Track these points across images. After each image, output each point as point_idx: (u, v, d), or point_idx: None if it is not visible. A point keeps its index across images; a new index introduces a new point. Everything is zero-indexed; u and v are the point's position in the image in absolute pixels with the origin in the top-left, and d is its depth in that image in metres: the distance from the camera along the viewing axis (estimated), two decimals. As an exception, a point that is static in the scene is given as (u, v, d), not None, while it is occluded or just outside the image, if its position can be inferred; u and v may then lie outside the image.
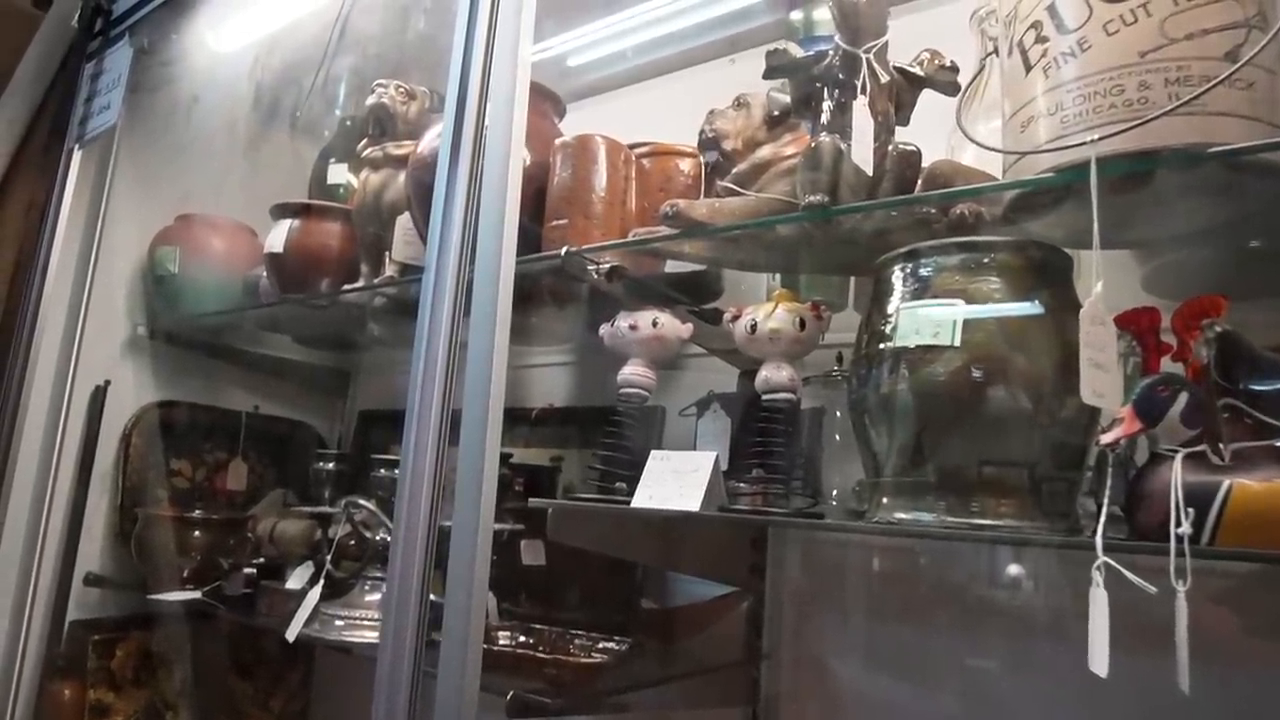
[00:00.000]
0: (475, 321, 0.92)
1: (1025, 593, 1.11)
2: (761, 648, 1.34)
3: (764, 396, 1.00)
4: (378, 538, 1.32)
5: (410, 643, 0.84)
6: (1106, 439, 0.71)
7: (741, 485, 1.02)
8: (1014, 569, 1.09)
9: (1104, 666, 0.65)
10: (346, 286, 1.44)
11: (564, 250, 1.08)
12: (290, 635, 1.24)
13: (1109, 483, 0.73)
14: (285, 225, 1.47)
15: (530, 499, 1.12)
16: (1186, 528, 0.65)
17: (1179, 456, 0.69)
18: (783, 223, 0.94)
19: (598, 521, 1.12)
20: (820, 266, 1.09)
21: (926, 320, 0.79)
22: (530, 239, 1.19)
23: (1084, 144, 0.73)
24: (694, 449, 1.13)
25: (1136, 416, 0.71)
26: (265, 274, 1.55)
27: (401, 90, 1.40)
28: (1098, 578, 0.67)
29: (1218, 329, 0.81)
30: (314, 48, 1.54)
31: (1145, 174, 0.78)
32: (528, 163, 1.23)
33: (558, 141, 1.21)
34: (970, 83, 0.94)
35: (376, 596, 1.29)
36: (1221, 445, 0.73)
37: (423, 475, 0.87)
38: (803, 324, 0.98)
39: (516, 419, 1.75)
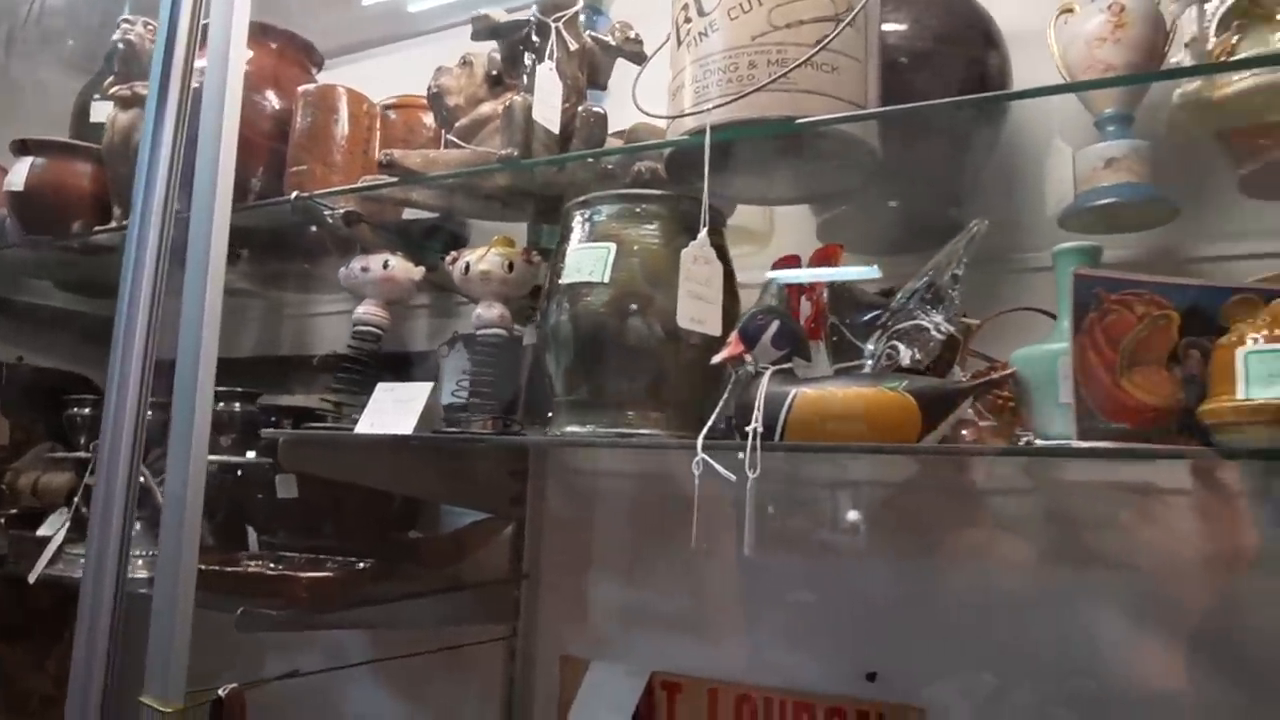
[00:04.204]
0: (189, 265, 0.97)
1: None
2: (522, 569, 1.47)
3: (478, 332, 1.10)
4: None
5: (111, 575, 0.90)
6: (715, 359, 0.86)
7: (465, 414, 1.13)
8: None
9: (693, 540, 0.81)
10: (97, 229, 1.42)
11: (294, 195, 1.13)
12: (31, 577, 1.25)
13: (724, 396, 0.89)
14: (26, 163, 1.43)
15: (264, 430, 1.18)
16: (758, 426, 0.81)
17: (767, 373, 0.85)
18: (481, 173, 1.03)
19: (339, 452, 1.19)
20: (539, 216, 1.20)
21: (585, 259, 0.91)
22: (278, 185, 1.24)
23: (703, 112, 0.86)
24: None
25: (741, 341, 0.86)
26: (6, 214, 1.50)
27: (150, 27, 1.38)
28: (697, 470, 0.83)
29: (830, 272, 0.98)
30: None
31: (792, 141, 0.93)
32: (277, 108, 1.28)
33: (300, 89, 1.25)
34: (655, 52, 1.07)
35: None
36: (809, 362, 0.91)
37: (124, 418, 0.92)
38: (511, 266, 1.09)
39: (299, 366, 1.79)
